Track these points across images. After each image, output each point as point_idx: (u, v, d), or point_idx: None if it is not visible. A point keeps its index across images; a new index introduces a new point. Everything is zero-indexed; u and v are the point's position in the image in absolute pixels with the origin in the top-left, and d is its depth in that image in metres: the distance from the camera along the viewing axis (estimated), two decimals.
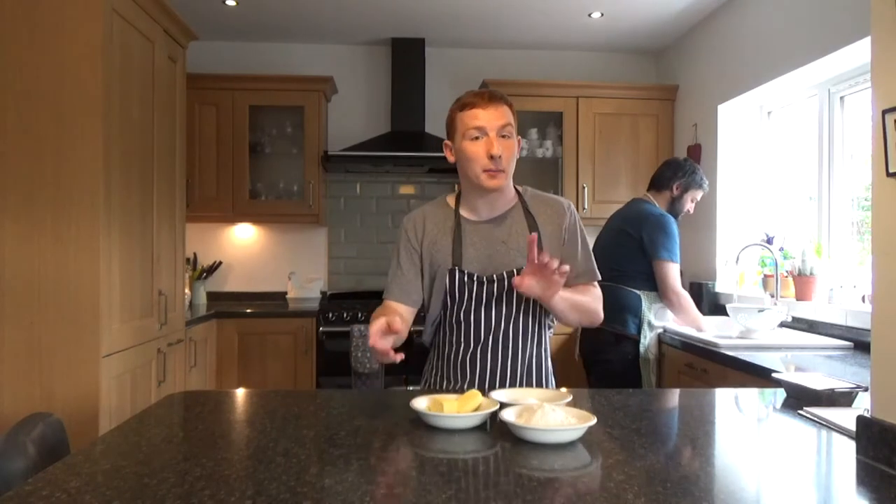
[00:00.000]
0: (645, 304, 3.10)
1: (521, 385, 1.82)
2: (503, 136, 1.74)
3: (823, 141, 3.34)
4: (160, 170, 3.09)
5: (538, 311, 1.85)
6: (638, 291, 3.11)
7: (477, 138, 1.73)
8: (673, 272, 3.07)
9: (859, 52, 2.87)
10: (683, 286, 4.30)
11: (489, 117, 1.73)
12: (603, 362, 3.17)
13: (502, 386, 1.81)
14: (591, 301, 1.85)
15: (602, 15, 4.15)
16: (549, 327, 1.92)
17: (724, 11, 3.97)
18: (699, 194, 3.28)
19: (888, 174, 1.24)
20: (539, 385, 1.85)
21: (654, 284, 3.12)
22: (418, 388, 1.95)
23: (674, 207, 3.24)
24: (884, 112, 1.26)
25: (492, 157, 1.72)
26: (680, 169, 3.24)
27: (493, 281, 1.79)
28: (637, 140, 4.53)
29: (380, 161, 4.39)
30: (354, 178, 4.76)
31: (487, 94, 1.76)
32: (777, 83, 3.48)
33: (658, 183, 3.28)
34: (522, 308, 1.83)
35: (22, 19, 2.46)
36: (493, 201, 1.83)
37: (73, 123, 2.47)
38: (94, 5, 2.48)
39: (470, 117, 1.74)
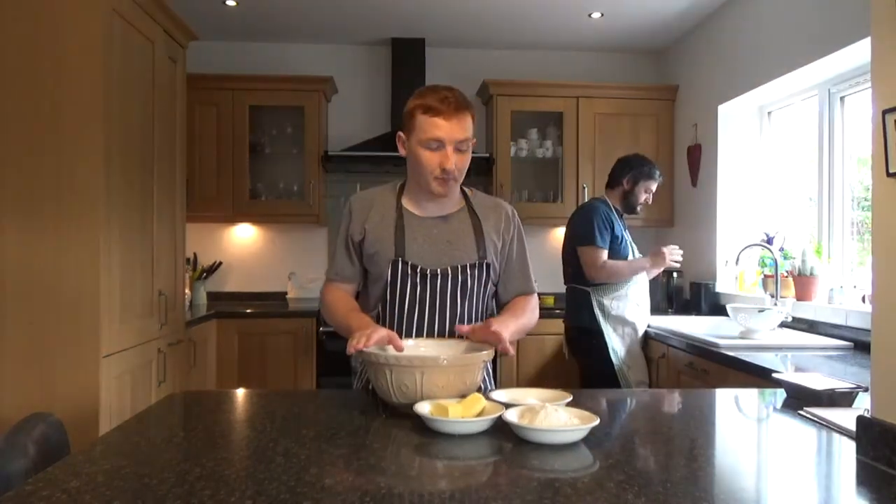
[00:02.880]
0: (595, 299, 3.20)
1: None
2: (459, 150, 1.71)
3: (823, 141, 3.33)
4: (160, 170, 3.09)
5: (484, 314, 1.85)
6: (586, 288, 3.23)
7: (433, 148, 1.70)
8: (587, 255, 3.19)
9: (859, 52, 2.86)
10: (683, 287, 4.31)
11: (451, 130, 1.68)
12: (584, 358, 3.33)
13: None
14: (526, 321, 1.82)
15: (602, 15, 4.14)
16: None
17: (724, 12, 3.96)
18: (653, 185, 3.36)
19: (888, 174, 1.24)
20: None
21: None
22: None
23: (628, 201, 3.35)
24: (884, 112, 1.26)
25: (444, 170, 1.71)
26: (627, 164, 3.36)
27: (438, 275, 1.76)
28: (637, 140, 4.52)
29: (380, 161, 4.38)
30: (355, 178, 4.75)
31: (454, 103, 1.69)
32: (777, 83, 3.48)
33: (611, 181, 3.41)
34: (467, 309, 1.80)
35: (22, 19, 2.46)
36: (442, 202, 1.82)
37: (73, 124, 2.47)
38: (94, 5, 2.48)
39: (431, 125, 1.68)
